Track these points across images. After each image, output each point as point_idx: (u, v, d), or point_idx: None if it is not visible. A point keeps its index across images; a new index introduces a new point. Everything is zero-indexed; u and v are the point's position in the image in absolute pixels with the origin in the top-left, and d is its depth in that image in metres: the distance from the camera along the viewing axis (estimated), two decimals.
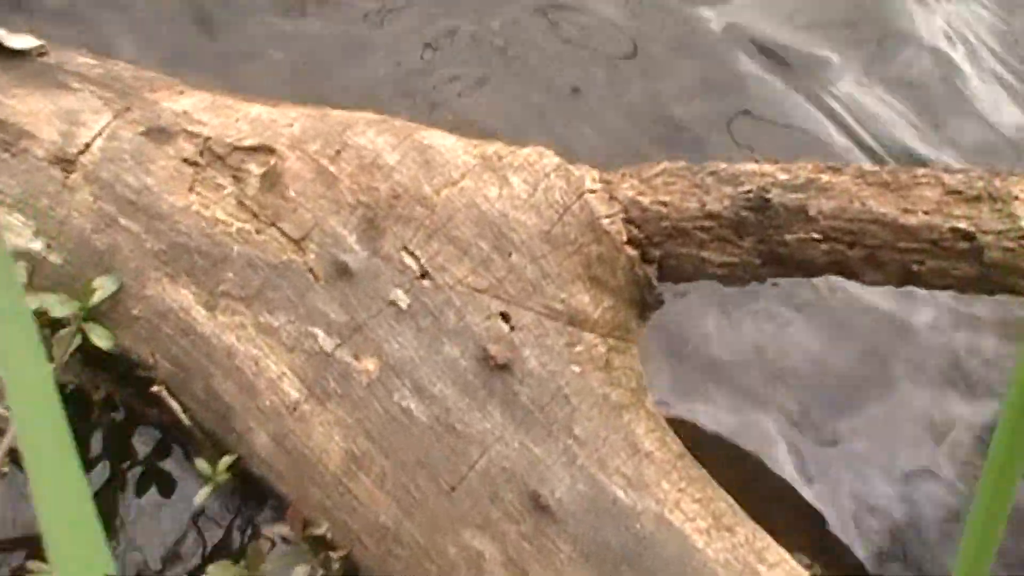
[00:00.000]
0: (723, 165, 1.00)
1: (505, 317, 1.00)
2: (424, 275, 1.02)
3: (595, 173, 1.03)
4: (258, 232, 1.06)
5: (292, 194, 1.06)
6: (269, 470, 1.04)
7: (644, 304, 1.04)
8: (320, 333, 1.02)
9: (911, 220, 0.92)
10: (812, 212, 0.95)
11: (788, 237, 0.96)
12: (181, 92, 1.17)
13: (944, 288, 0.99)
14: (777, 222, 0.96)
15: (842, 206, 0.94)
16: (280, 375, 1.03)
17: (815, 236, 0.95)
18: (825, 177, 0.96)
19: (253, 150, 1.09)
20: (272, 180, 1.07)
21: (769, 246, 0.97)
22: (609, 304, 1.02)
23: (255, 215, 1.06)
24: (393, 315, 1.01)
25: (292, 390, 1.02)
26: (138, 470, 1.13)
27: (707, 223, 0.99)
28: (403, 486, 0.98)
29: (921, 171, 0.96)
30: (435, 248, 1.02)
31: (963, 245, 0.94)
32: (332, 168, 1.06)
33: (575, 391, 0.99)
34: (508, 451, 0.98)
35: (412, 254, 1.02)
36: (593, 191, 1.02)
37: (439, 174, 1.04)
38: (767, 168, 1.00)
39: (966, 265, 0.92)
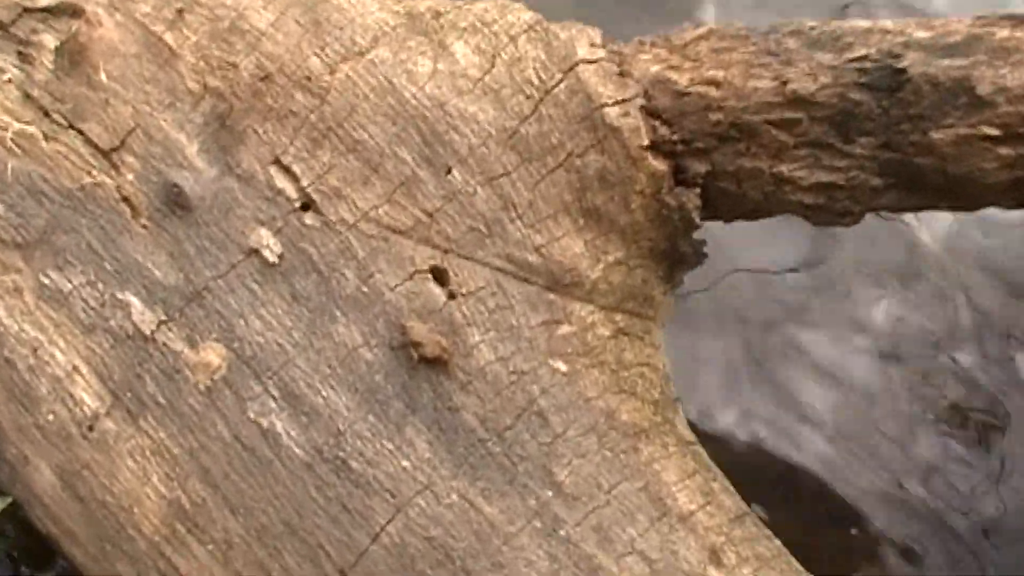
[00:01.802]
0: (812, 23, 0.76)
1: (439, 276, 0.81)
2: (307, 206, 0.83)
3: (594, 34, 0.80)
4: (48, 139, 0.88)
5: (104, 79, 0.88)
6: (56, 525, 0.85)
7: (676, 257, 0.83)
8: (136, 303, 0.84)
9: None
10: (983, 90, 0.71)
11: (936, 136, 0.73)
12: None
13: None
14: (916, 110, 0.73)
15: None
16: (70, 371, 0.85)
17: (989, 132, 0.71)
18: (1002, 32, 0.71)
19: (51, 12, 0.90)
20: (74, 57, 0.88)
21: (900, 153, 0.74)
22: (618, 256, 0.82)
23: (46, 112, 0.88)
24: (254, 273, 0.83)
25: (88, 397, 0.84)
26: None
27: (790, 114, 0.76)
28: (260, 565, 0.80)
29: None
30: (325, 161, 0.83)
31: None
32: (169, 37, 0.86)
33: (557, 406, 0.80)
34: (439, 510, 0.79)
35: (288, 171, 0.83)
36: (591, 61, 0.79)
37: (336, 40, 0.85)
38: (892, 24, 0.74)
39: None
